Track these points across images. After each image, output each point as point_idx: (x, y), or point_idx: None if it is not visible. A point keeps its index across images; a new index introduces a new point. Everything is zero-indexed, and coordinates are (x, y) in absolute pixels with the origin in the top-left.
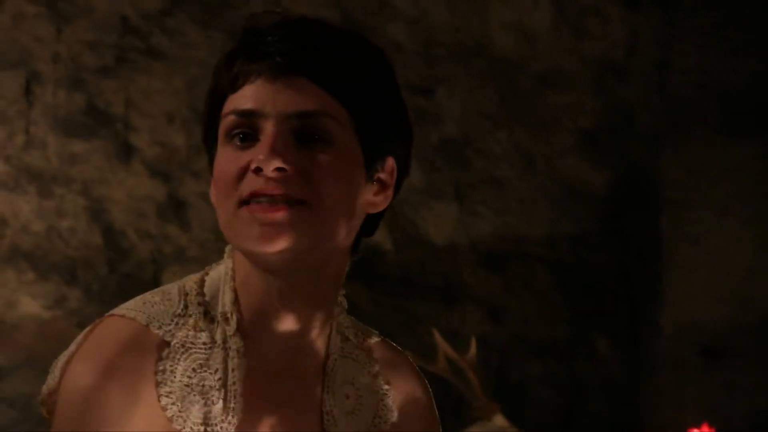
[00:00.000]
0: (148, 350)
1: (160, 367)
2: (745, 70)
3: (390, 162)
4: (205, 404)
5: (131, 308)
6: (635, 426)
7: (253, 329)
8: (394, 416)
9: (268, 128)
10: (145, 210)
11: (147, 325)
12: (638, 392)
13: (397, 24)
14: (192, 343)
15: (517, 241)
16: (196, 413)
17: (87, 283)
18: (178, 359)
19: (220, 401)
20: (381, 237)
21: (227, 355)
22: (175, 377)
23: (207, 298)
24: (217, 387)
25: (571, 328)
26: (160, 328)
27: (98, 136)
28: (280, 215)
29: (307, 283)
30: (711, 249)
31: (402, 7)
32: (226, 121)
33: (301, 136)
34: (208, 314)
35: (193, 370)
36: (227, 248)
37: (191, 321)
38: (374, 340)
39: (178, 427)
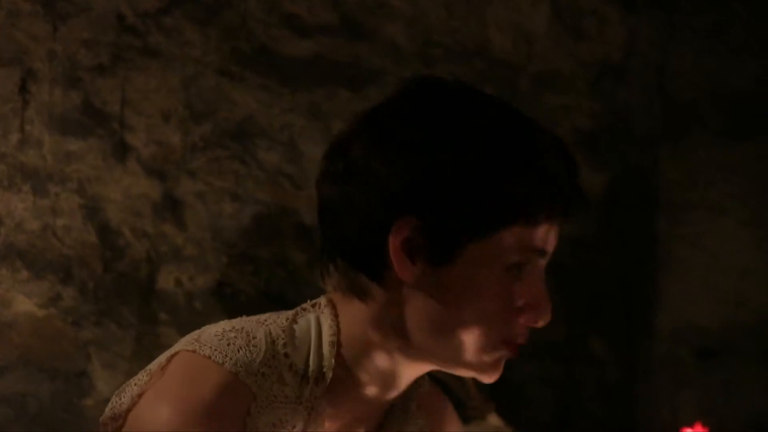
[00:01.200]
0: (239, 404)
1: (249, 423)
2: (744, 72)
3: None
4: None
5: (215, 349)
6: (631, 426)
7: (343, 392)
8: None
9: (540, 273)
10: (141, 209)
11: (236, 374)
12: (634, 392)
13: (395, 24)
14: (275, 396)
15: None
16: None
17: (82, 282)
18: (262, 413)
19: None
20: None
21: (310, 415)
22: (259, 426)
23: (295, 351)
24: None
25: (567, 328)
26: (247, 378)
27: (94, 134)
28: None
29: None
30: (708, 250)
31: (400, 7)
32: (523, 255)
33: None
34: (293, 368)
35: (273, 425)
36: (323, 300)
37: (276, 372)
38: (424, 389)
39: None
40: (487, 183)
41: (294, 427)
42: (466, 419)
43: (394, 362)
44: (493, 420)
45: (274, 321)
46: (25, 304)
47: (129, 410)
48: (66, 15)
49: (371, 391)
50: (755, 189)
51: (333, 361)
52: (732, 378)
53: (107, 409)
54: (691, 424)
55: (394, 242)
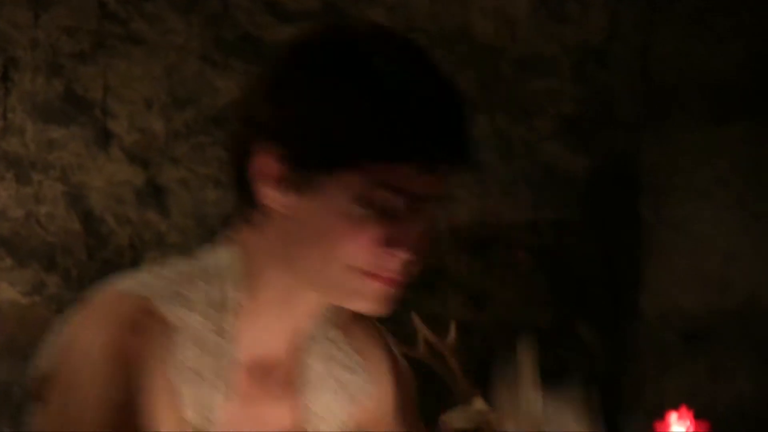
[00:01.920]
0: (156, 324)
1: (168, 344)
2: (727, 56)
3: None
4: (207, 388)
5: (125, 283)
6: (617, 410)
7: (255, 319)
8: (369, 390)
9: (416, 215)
10: (124, 196)
11: (149, 299)
12: (620, 377)
13: (377, 9)
14: (193, 325)
15: (498, 226)
16: (197, 395)
17: (66, 270)
18: (181, 339)
19: (222, 386)
20: None
21: (227, 341)
22: (180, 357)
23: (203, 284)
24: (217, 372)
25: (552, 313)
26: (161, 304)
27: (77, 122)
28: (395, 290)
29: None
30: (692, 234)
31: None
32: (389, 193)
33: None
34: (208, 298)
35: (194, 352)
36: (225, 235)
37: (188, 303)
38: (342, 320)
39: (184, 409)
40: (353, 116)
41: (215, 356)
42: (451, 403)
43: (288, 289)
44: (479, 404)
45: (181, 261)
46: (8, 292)
47: (54, 353)
48: (47, 2)
49: (280, 318)
50: (739, 173)
51: (244, 288)
52: (717, 362)
53: (30, 371)
54: (676, 408)
55: (252, 168)
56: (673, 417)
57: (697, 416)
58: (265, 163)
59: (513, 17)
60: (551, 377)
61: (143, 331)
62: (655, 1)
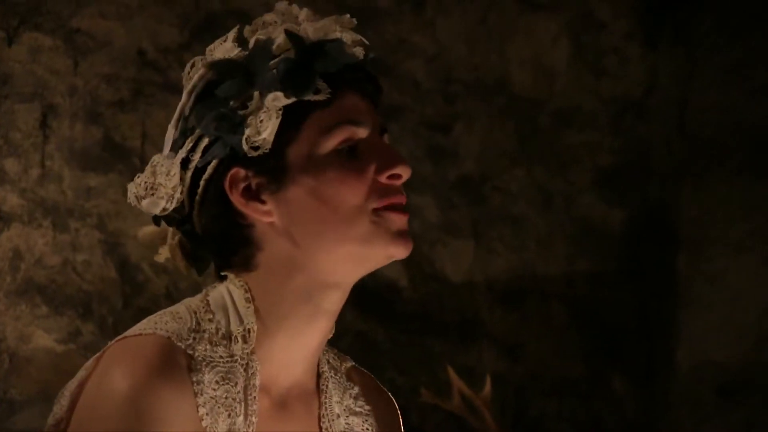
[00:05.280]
0: (181, 360)
1: (194, 378)
2: (765, 109)
3: None
4: (229, 416)
5: (144, 328)
6: None
7: (271, 347)
8: None
9: (377, 139)
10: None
11: (169, 338)
12: (654, 430)
13: (416, 61)
14: (211, 357)
15: (534, 279)
16: (221, 425)
17: (102, 317)
18: (204, 371)
19: (242, 415)
20: (397, 273)
21: (246, 370)
22: (205, 388)
23: (217, 317)
24: (238, 400)
25: (587, 365)
26: (181, 341)
27: (114, 169)
28: (407, 220)
29: (343, 299)
30: (728, 287)
31: (421, 44)
32: (335, 134)
33: None
34: (220, 331)
35: (217, 382)
36: (230, 275)
37: (206, 336)
38: (349, 364)
39: None
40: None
41: (236, 384)
42: None
43: (308, 293)
44: None
45: (190, 300)
46: (44, 339)
47: (71, 408)
48: (87, 50)
49: (293, 342)
50: None
51: (253, 316)
52: (753, 417)
53: (49, 419)
54: None
55: (235, 198)
56: None
57: None
58: (236, 184)
59: (551, 69)
60: (584, 429)
61: (173, 368)
62: (694, 53)
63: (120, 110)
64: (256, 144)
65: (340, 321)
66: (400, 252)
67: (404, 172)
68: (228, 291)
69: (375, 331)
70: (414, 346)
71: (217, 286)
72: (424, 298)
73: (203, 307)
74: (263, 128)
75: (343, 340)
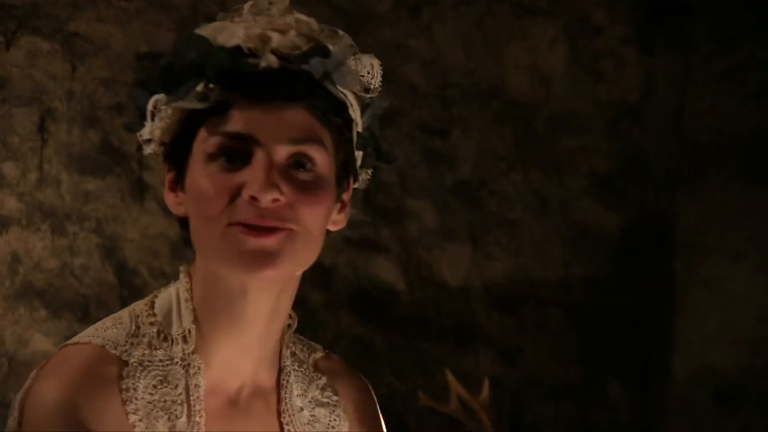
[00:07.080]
0: (110, 369)
1: (124, 386)
2: (761, 114)
3: (351, 182)
4: (169, 419)
5: (85, 335)
6: None
7: (212, 346)
8: (347, 426)
9: (261, 156)
10: (159, 248)
11: (103, 347)
12: None
13: (413, 65)
14: (149, 361)
15: (531, 283)
16: (161, 428)
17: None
18: (138, 377)
19: (184, 416)
20: (394, 278)
21: (187, 371)
22: (138, 394)
23: (159, 318)
24: (179, 402)
25: (584, 370)
26: (116, 348)
27: (112, 173)
28: (271, 242)
29: (271, 301)
30: (724, 293)
31: (418, 48)
32: (213, 141)
33: (291, 163)
34: (161, 333)
35: (154, 386)
36: (182, 268)
37: (145, 340)
38: (318, 354)
39: None
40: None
41: (176, 386)
42: None
43: (227, 296)
44: None
45: (137, 303)
46: (42, 343)
47: (20, 418)
48: (84, 54)
49: (234, 338)
50: None
51: (192, 315)
52: (749, 422)
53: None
54: None
55: (166, 186)
56: None
57: None
58: (167, 173)
59: (548, 74)
60: None
61: (97, 379)
62: (690, 59)
63: (118, 114)
64: (144, 138)
65: (337, 325)
66: (244, 273)
67: (261, 198)
68: (176, 291)
69: (372, 335)
70: (411, 350)
71: (167, 287)
72: (421, 302)
73: (146, 311)
74: (153, 126)
75: (340, 343)
